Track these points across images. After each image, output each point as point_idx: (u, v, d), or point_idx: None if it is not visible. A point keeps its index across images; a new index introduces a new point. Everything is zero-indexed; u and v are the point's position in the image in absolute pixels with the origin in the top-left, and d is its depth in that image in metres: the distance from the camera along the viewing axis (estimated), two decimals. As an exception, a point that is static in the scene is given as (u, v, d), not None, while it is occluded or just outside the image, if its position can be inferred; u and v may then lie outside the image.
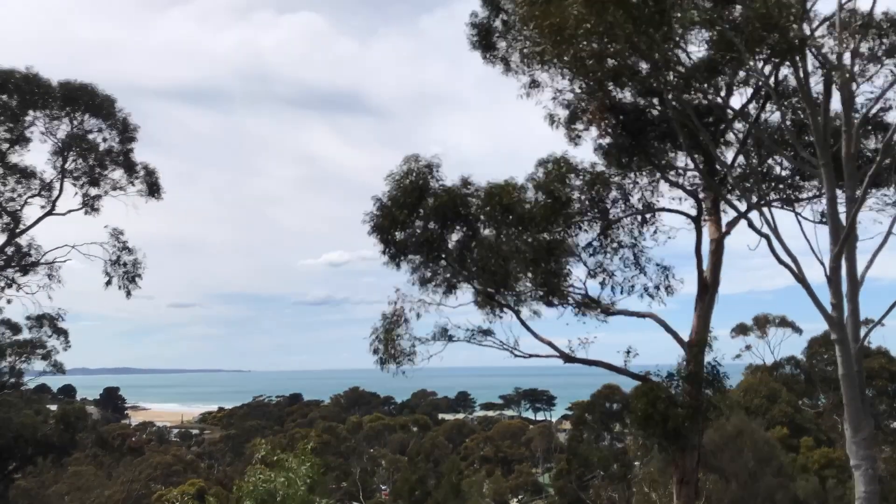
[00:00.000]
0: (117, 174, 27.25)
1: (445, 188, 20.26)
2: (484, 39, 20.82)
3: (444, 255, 20.47)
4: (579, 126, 20.73)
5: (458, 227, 20.39)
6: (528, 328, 21.19)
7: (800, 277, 13.23)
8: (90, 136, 26.59)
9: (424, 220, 20.12)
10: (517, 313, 21.03)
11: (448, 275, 20.66)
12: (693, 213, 20.90)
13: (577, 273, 21.81)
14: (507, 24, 19.57)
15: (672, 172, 20.54)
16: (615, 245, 21.75)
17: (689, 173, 20.68)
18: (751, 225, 14.21)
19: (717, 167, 19.21)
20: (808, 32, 11.70)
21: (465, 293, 21.20)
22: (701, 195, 20.63)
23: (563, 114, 20.80)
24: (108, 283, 27.75)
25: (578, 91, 19.60)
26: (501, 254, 19.84)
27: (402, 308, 20.51)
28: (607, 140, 20.14)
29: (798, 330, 57.14)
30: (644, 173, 20.59)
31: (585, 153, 21.16)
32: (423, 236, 20.07)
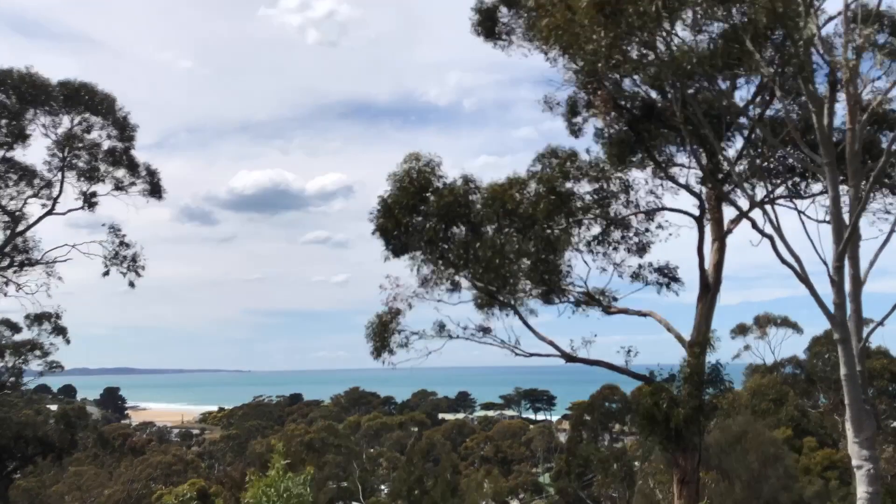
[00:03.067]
0: (119, 173, 27.24)
1: (447, 186, 20.20)
2: (488, 22, 20.73)
3: (445, 252, 20.39)
4: (580, 119, 20.73)
5: (460, 226, 20.32)
6: (529, 327, 21.17)
7: (803, 277, 13.16)
8: (90, 135, 26.54)
9: (426, 219, 20.05)
10: (517, 312, 20.99)
11: (450, 271, 20.57)
12: (696, 212, 20.93)
13: (579, 271, 21.92)
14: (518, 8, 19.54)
15: (675, 169, 20.54)
16: (617, 242, 21.84)
17: (692, 171, 20.72)
18: (754, 225, 14.13)
19: (720, 163, 19.16)
20: (813, 29, 11.62)
21: (466, 291, 21.16)
22: (703, 194, 20.63)
23: (562, 97, 20.77)
24: (106, 273, 27.73)
25: (580, 85, 19.56)
26: (502, 252, 19.76)
27: (396, 296, 20.50)
28: (610, 131, 20.09)
29: (799, 330, 56.97)
30: (647, 169, 20.57)
31: (585, 143, 21.18)
32: (425, 235, 20.00)
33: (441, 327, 20.72)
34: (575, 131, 21.03)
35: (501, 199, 20.00)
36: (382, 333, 20.35)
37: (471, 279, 20.55)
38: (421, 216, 19.95)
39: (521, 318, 20.96)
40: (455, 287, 20.66)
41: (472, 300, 21.34)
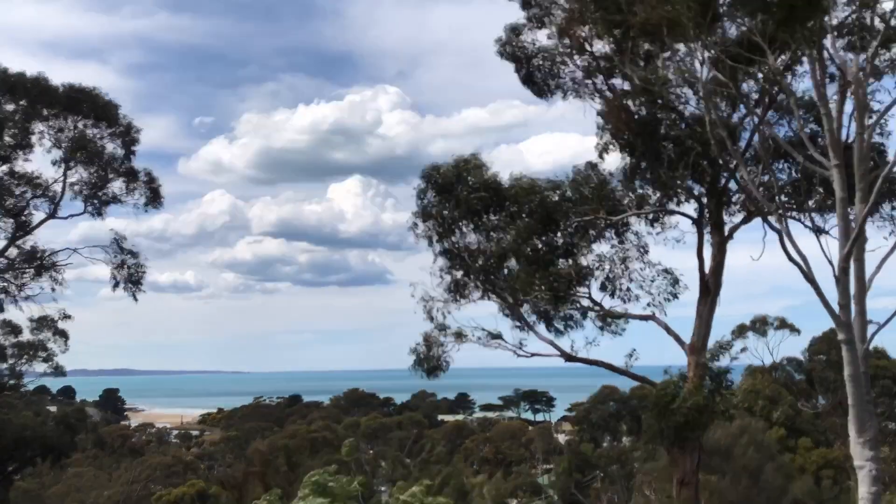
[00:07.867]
0: (119, 182, 27.30)
1: (484, 180, 21.35)
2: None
3: (471, 271, 21.65)
4: (604, 139, 21.43)
5: (494, 214, 21.62)
6: (531, 329, 21.72)
7: (809, 277, 13.29)
8: (94, 141, 26.56)
9: (470, 193, 21.23)
10: (526, 321, 21.51)
11: (476, 284, 21.85)
12: (695, 215, 21.03)
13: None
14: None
15: (681, 173, 20.74)
16: (624, 250, 22.22)
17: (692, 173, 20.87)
18: (765, 219, 14.29)
19: (729, 174, 19.42)
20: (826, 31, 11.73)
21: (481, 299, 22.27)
22: (703, 197, 20.73)
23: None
24: (116, 285, 27.83)
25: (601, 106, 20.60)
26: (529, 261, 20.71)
27: (443, 321, 21.72)
28: (627, 151, 20.81)
29: (796, 331, 57.01)
30: (658, 181, 20.93)
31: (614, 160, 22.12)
32: (468, 205, 21.21)
33: (458, 335, 21.65)
34: (602, 150, 21.63)
35: (531, 190, 21.54)
36: (432, 358, 21.72)
37: (498, 294, 21.73)
38: (459, 205, 21.29)
39: (525, 322, 21.52)
40: (484, 294, 21.85)
41: (499, 310, 22.31)
